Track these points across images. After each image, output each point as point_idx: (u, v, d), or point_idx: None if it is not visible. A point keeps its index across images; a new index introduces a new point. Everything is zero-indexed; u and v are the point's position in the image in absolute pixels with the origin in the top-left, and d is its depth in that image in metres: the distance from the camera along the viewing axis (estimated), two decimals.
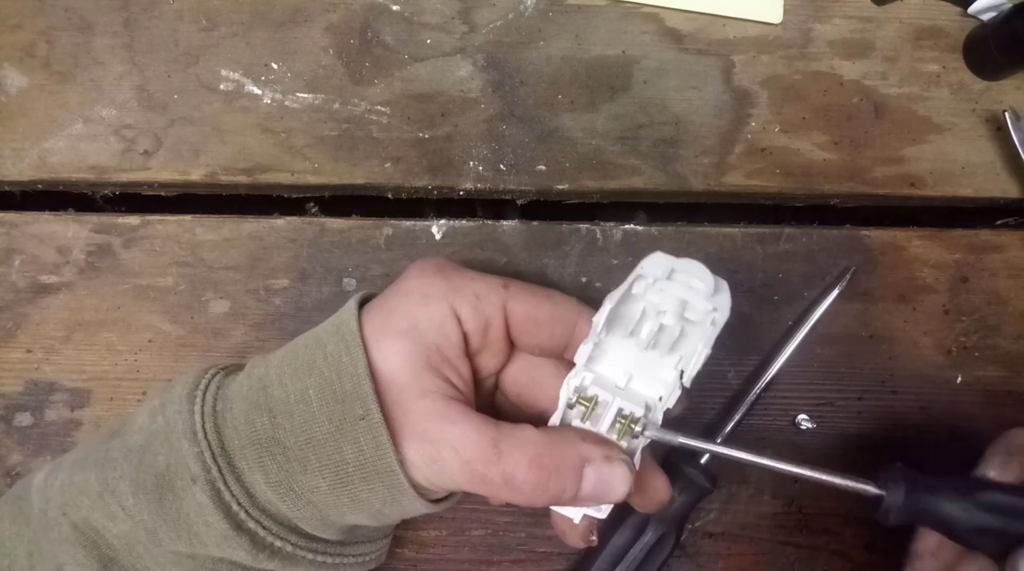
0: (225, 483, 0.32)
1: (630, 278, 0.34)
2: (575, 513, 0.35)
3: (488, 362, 0.37)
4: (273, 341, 0.44)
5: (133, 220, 0.44)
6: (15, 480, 0.43)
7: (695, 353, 0.34)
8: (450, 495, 0.35)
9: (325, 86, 0.45)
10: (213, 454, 0.32)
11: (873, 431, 0.45)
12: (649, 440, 0.34)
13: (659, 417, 0.35)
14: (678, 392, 0.35)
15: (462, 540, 0.44)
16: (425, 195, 0.46)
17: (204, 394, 0.33)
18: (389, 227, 0.45)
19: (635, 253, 0.45)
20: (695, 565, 0.44)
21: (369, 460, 0.31)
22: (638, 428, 0.34)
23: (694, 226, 0.46)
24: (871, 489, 0.34)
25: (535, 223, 0.45)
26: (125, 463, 0.33)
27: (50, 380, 0.44)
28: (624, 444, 0.34)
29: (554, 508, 0.36)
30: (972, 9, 0.46)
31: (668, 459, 0.43)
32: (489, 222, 0.45)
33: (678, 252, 0.45)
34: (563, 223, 0.45)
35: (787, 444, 0.45)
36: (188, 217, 0.45)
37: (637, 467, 0.34)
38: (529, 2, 0.46)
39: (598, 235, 0.45)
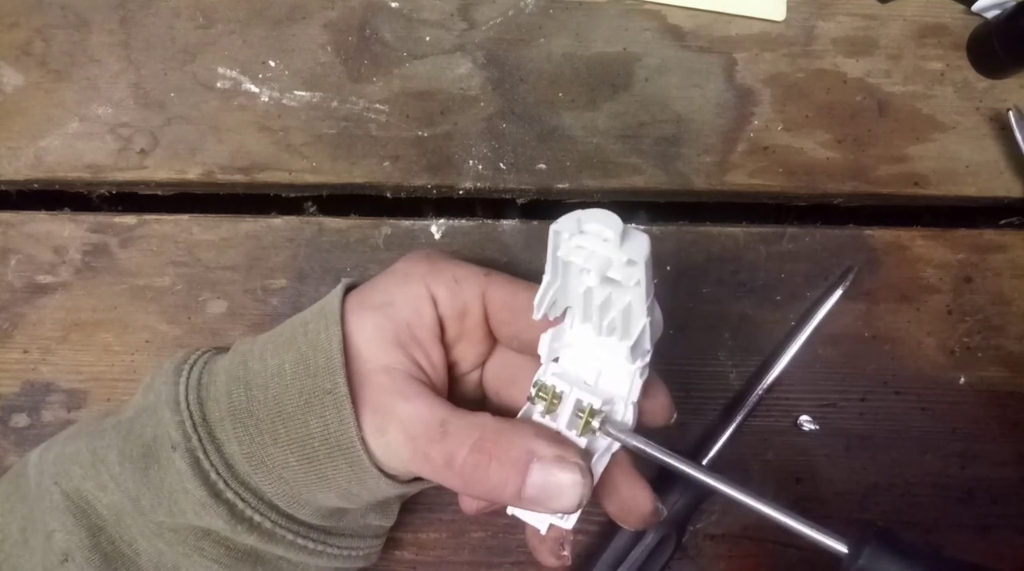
0: (204, 452, 0.32)
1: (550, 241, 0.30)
2: (540, 521, 0.33)
3: (467, 353, 0.36)
4: None
5: (130, 219, 0.44)
6: None
7: (637, 325, 0.30)
8: (418, 478, 0.34)
9: (323, 84, 0.45)
10: (194, 424, 0.32)
11: (876, 432, 0.44)
12: (610, 440, 0.32)
13: (629, 414, 0.33)
14: (638, 381, 0.32)
15: (462, 542, 0.43)
16: (424, 194, 0.45)
17: (191, 368, 0.34)
18: (388, 226, 0.45)
19: None
20: (696, 567, 0.44)
21: (333, 435, 0.31)
22: (596, 423, 0.31)
23: (696, 225, 0.45)
24: (835, 545, 0.30)
25: (535, 222, 0.45)
26: (114, 433, 0.34)
27: (47, 381, 0.43)
28: (584, 442, 0.32)
29: (518, 514, 0.34)
30: (976, 7, 0.45)
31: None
32: (489, 221, 0.45)
33: (679, 252, 0.45)
34: None
35: (789, 445, 0.44)
36: (185, 216, 0.44)
37: (599, 472, 0.32)
38: None
39: None
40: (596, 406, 0.31)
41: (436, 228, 0.45)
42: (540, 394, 0.32)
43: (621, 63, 0.45)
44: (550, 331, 0.33)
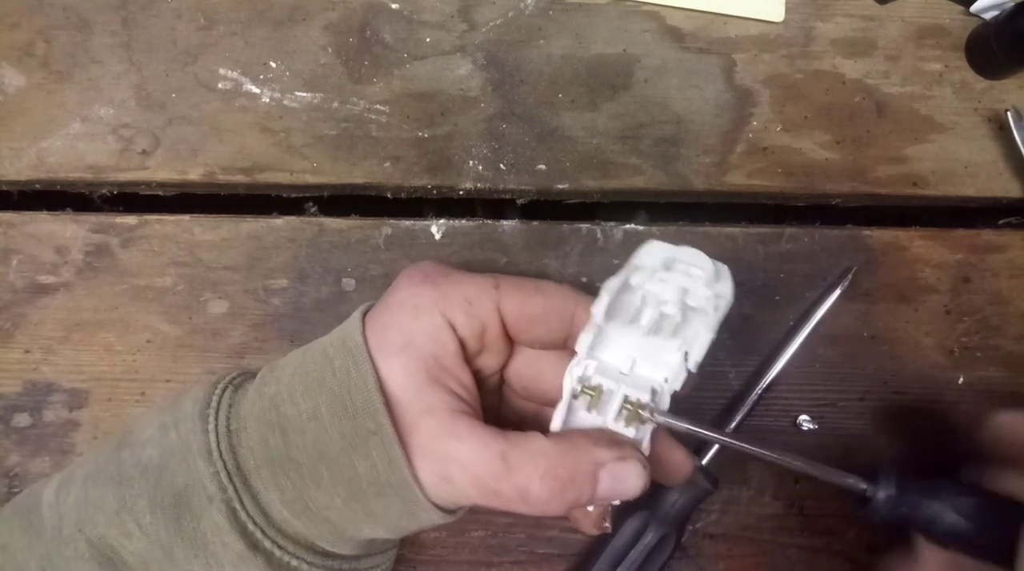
0: (241, 503, 0.32)
1: (627, 268, 0.34)
2: None
3: (489, 362, 0.36)
4: (272, 341, 0.44)
5: (131, 220, 0.44)
6: (13, 481, 0.42)
7: (698, 337, 0.33)
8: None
9: (324, 85, 0.45)
10: (229, 474, 0.32)
11: (875, 432, 0.45)
12: (657, 425, 0.34)
13: (666, 400, 0.35)
14: (683, 374, 0.34)
15: (462, 541, 0.44)
16: (424, 195, 0.46)
17: (217, 412, 0.33)
18: (388, 227, 0.45)
19: None
20: (696, 566, 0.44)
21: (383, 475, 0.31)
22: (646, 414, 0.33)
23: (695, 226, 0.45)
24: (860, 484, 0.34)
25: (535, 223, 0.45)
26: (143, 481, 0.33)
27: (48, 380, 0.43)
28: (632, 432, 0.34)
29: None
30: (974, 8, 0.46)
31: None
32: (489, 222, 0.45)
33: None
34: (563, 223, 0.45)
35: (788, 445, 0.44)
36: (186, 217, 0.44)
37: (648, 452, 0.34)
38: (529, 0, 0.46)
39: (599, 235, 0.45)
40: (645, 400, 0.34)
41: (436, 228, 0.45)
42: (586, 390, 0.34)
43: (621, 64, 0.46)
44: (590, 333, 0.34)
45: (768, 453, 0.34)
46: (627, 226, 0.45)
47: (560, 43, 0.46)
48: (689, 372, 0.34)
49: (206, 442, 0.32)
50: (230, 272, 0.44)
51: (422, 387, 0.32)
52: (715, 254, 0.45)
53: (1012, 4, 0.44)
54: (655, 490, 0.41)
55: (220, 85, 0.45)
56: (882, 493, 0.34)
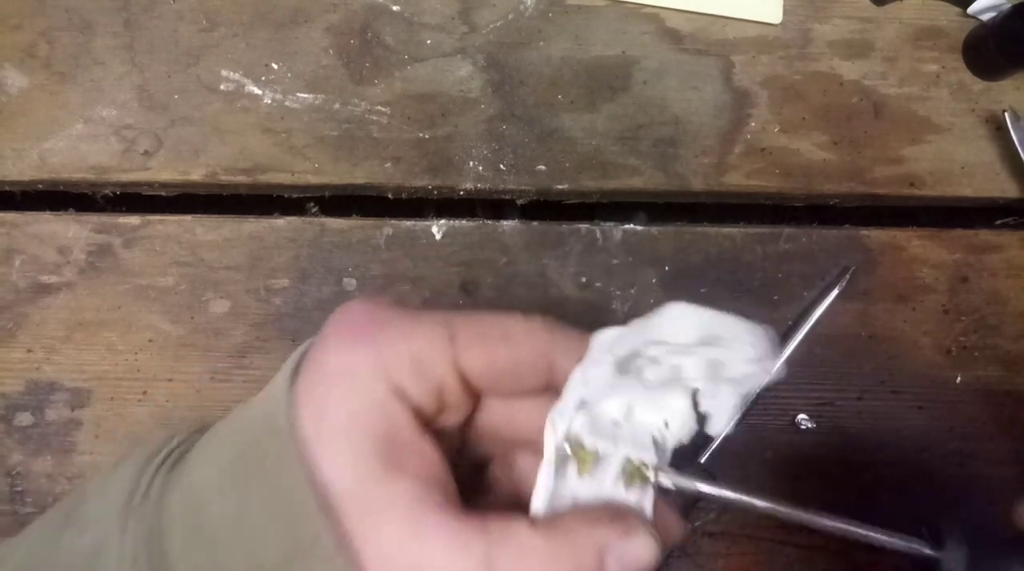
0: None
1: (641, 338, 0.27)
2: None
3: (450, 419, 0.29)
4: (273, 341, 0.44)
5: (133, 220, 0.45)
6: (15, 480, 0.43)
7: (722, 401, 0.27)
8: None
9: (325, 86, 0.45)
10: None
11: (873, 431, 0.45)
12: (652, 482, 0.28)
13: (667, 451, 0.28)
14: (692, 425, 0.28)
15: None
16: (425, 195, 0.46)
17: (143, 503, 0.28)
18: (389, 227, 0.45)
19: (635, 253, 0.45)
20: (695, 565, 0.44)
21: None
22: (650, 474, 0.27)
23: (694, 226, 0.46)
24: (925, 549, 0.30)
25: (535, 223, 0.45)
26: None
27: (50, 380, 0.44)
28: (634, 498, 0.27)
29: None
30: (971, 9, 0.46)
31: None
32: (489, 222, 0.45)
33: (677, 252, 0.45)
34: (563, 223, 0.45)
35: (787, 444, 0.45)
36: (188, 217, 0.45)
37: (652, 514, 0.28)
38: (529, 2, 0.46)
39: (598, 235, 0.45)
40: (650, 461, 0.27)
41: (437, 228, 0.45)
42: (576, 453, 0.27)
43: (620, 66, 0.46)
44: (578, 374, 0.27)
45: (818, 519, 0.29)
46: (626, 226, 0.45)
47: (560, 45, 0.46)
48: (704, 433, 0.28)
49: (119, 550, 0.27)
50: (232, 272, 0.44)
51: (376, 477, 0.26)
52: (714, 254, 0.45)
53: (1009, 6, 0.45)
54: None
55: (222, 86, 0.45)
56: (952, 556, 0.30)
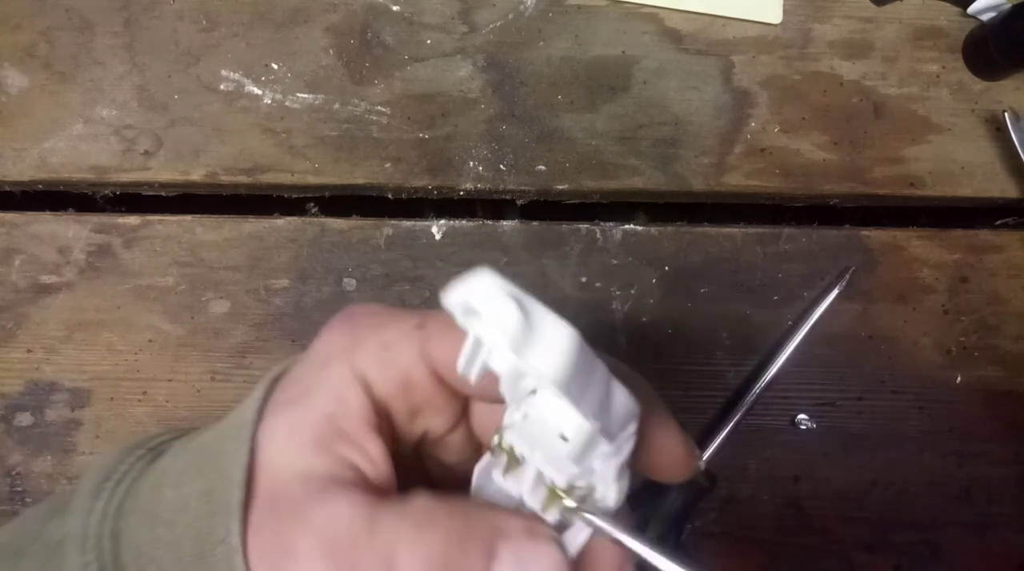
0: None
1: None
2: None
3: (436, 422, 0.28)
4: (273, 341, 0.44)
5: (133, 220, 0.45)
6: (15, 480, 0.43)
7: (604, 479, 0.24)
8: None
9: (325, 86, 0.45)
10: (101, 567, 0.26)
11: (873, 431, 0.45)
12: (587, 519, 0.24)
13: (612, 493, 0.24)
14: (613, 492, 0.24)
15: None
16: (425, 195, 0.46)
17: (116, 485, 0.27)
18: (389, 227, 0.45)
19: (635, 253, 0.45)
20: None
21: None
22: (569, 503, 0.24)
23: (694, 226, 0.46)
24: None
25: (535, 223, 0.45)
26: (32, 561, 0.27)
27: (50, 380, 0.44)
28: (552, 519, 0.24)
29: None
30: (971, 9, 0.46)
31: None
32: (489, 222, 0.45)
33: (678, 252, 0.45)
34: (563, 223, 0.45)
35: (787, 444, 0.45)
36: (188, 217, 0.45)
37: (577, 550, 0.24)
38: (529, 2, 0.46)
39: (598, 235, 0.45)
40: (560, 484, 0.24)
41: (437, 229, 0.45)
42: (503, 449, 0.25)
43: (620, 66, 0.46)
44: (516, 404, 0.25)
45: None
46: (626, 226, 0.45)
47: (560, 45, 0.46)
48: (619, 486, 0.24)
49: (82, 528, 0.26)
50: (232, 272, 0.44)
51: (302, 448, 0.25)
52: (714, 254, 0.45)
53: (1009, 6, 0.45)
54: (653, 489, 0.41)
55: (222, 86, 0.45)
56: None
